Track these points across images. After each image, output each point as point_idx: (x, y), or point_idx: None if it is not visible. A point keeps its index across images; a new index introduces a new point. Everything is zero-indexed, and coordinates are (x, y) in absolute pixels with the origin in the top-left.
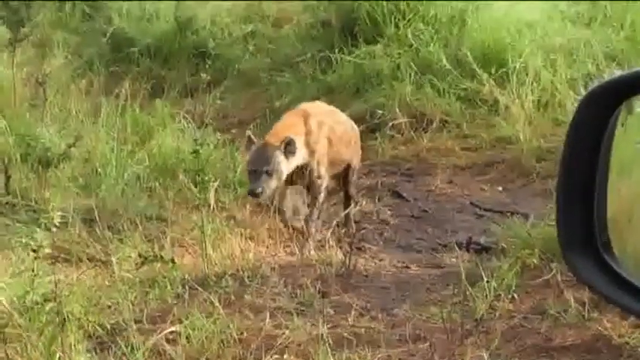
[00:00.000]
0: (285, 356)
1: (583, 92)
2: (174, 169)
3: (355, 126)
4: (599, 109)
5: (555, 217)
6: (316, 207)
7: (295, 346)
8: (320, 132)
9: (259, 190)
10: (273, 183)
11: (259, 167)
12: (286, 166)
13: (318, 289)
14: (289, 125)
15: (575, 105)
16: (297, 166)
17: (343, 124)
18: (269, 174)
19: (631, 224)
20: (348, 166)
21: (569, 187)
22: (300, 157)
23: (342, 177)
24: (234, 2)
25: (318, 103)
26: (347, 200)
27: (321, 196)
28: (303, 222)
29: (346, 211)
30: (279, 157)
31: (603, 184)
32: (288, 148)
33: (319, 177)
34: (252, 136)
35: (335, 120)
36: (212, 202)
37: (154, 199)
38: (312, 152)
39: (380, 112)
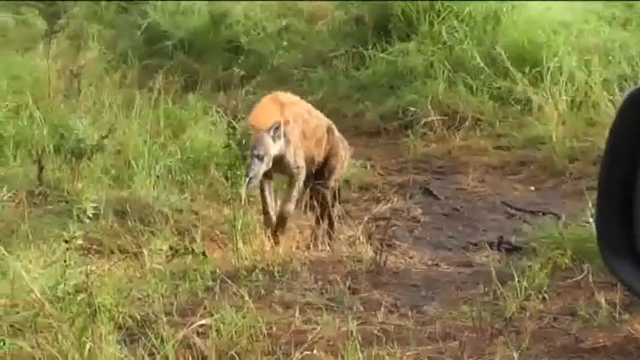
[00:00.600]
0: (314, 352)
1: (618, 93)
2: (206, 162)
3: (335, 129)
4: (639, 111)
5: (595, 218)
6: (293, 192)
7: (324, 342)
8: (295, 123)
9: (252, 174)
10: (263, 167)
11: (250, 151)
12: (273, 150)
13: (348, 285)
14: (268, 112)
15: (611, 106)
16: (275, 156)
17: (317, 119)
18: (260, 158)
19: None
20: (324, 169)
21: (609, 188)
22: (280, 144)
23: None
24: None
25: (290, 94)
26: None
27: (298, 184)
28: (280, 207)
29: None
30: (269, 140)
31: None
32: (276, 132)
33: (297, 167)
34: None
35: (309, 114)
36: (243, 196)
37: (186, 192)
38: (287, 142)
39: (412, 109)
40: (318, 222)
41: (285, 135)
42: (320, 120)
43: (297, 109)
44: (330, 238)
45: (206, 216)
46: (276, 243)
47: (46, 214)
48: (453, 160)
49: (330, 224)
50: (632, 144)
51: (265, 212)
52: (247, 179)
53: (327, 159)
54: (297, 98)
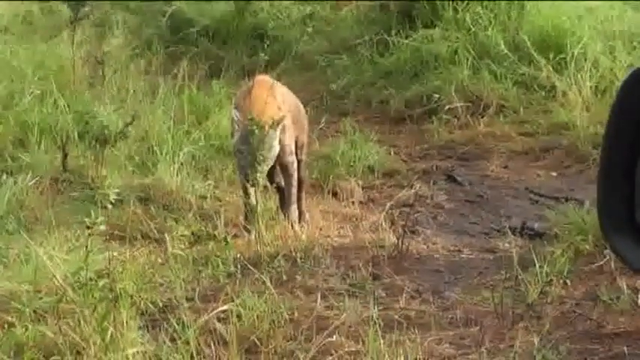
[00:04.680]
0: (335, 337)
1: None
2: (229, 149)
3: (299, 102)
4: None
5: (596, 195)
6: (292, 188)
7: (346, 328)
8: (289, 110)
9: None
10: (269, 167)
11: (258, 150)
12: (279, 146)
13: (370, 271)
14: (269, 104)
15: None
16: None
17: (293, 97)
18: (267, 158)
19: None
20: (296, 144)
21: (610, 166)
22: (282, 137)
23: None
24: None
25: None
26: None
27: (295, 176)
28: (282, 210)
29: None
30: (276, 138)
31: None
32: (281, 127)
33: (291, 153)
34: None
35: (289, 94)
36: (266, 182)
37: (209, 178)
38: (284, 132)
39: (437, 95)
40: (282, 198)
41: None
42: (295, 98)
43: (285, 92)
44: (301, 218)
45: (230, 202)
46: (248, 232)
47: (70, 200)
48: (477, 146)
49: (300, 203)
50: (634, 122)
51: (245, 203)
52: (253, 179)
53: (297, 135)
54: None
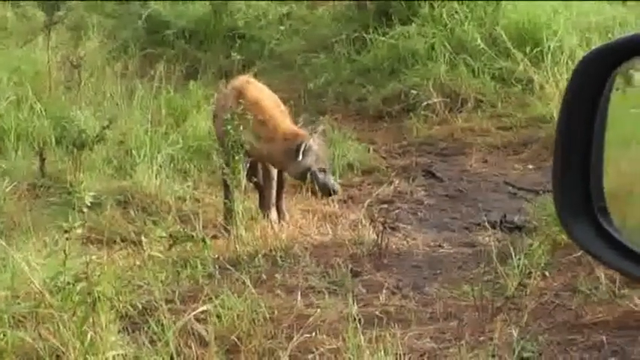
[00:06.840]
0: (315, 335)
1: None
2: (207, 150)
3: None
4: (594, 75)
5: (552, 181)
6: (272, 189)
7: (326, 325)
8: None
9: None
10: None
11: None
12: None
13: (349, 268)
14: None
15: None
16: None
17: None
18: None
19: (632, 198)
20: None
21: (565, 151)
22: None
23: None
24: None
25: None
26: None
27: (275, 177)
28: (261, 209)
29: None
30: None
31: (600, 149)
32: None
33: None
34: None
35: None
36: (243, 182)
37: (188, 180)
38: None
39: (414, 92)
40: (261, 197)
41: None
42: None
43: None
44: (281, 218)
45: (209, 203)
46: (227, 232)
47: (48, 205)
48: (455, 141)
49: (280, 203)
50: (588, 107)
51: (225, 203)
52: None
53: None
54: None
